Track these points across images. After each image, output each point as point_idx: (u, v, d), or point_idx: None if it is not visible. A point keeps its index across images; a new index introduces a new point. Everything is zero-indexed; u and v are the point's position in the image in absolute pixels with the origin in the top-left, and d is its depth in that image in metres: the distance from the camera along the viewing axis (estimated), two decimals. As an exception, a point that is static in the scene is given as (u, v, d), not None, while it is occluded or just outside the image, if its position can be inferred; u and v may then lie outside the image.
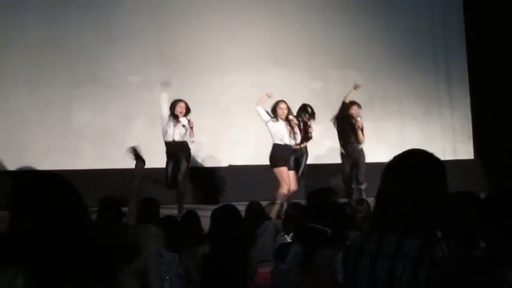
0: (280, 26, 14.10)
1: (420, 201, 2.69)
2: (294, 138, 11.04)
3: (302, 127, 11.59)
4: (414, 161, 2.81)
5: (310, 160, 12.00)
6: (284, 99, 11.10)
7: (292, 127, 10.98)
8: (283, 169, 10.81)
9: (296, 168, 11.55)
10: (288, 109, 11.04)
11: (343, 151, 11.82)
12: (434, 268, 2.56)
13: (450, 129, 15.25)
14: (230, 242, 5.61)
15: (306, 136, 11.71)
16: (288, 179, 10.78)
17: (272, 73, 13.89)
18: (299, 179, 11.50)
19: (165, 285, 5.66)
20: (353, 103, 11.78)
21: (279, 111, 10.98)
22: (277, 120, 10.95)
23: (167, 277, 5.72)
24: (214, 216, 6.05)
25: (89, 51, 13.10)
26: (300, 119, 11.57)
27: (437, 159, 2.82)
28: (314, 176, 12.41)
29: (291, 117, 11.01)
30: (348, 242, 3.81)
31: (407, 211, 2.70)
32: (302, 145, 11.67)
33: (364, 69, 14.52)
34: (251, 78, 13.63)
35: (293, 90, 13.80)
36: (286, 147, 10.95)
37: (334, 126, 11.84)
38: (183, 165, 11.22)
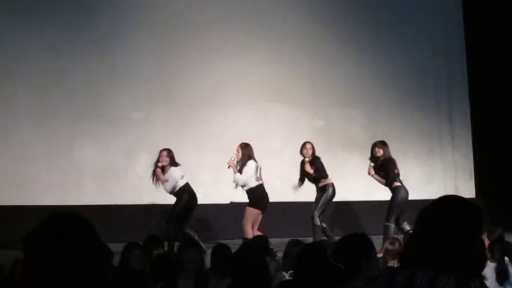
0: (282, 63, 14.15)
1: (458, 243, 2.75)
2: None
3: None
4: (456, 205, 2.88)
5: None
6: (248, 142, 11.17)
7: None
8: None
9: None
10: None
11: (399, 184, 11.48)
12: None
13: (451, 168, 15.22)
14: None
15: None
16: None
17: (274, 110, 13.92)
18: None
19: None
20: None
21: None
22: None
23: None
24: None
25: (92, 86, 13.15)
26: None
27: (475, 205, 2.89)
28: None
29: None
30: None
31: (445, 251, 2.74)
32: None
33: (366, 107, 14.55)
34: (253, 114, 13.66)
35: (295, 128, 13.83)
36: None
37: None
38: (174, 212, 11.01)
